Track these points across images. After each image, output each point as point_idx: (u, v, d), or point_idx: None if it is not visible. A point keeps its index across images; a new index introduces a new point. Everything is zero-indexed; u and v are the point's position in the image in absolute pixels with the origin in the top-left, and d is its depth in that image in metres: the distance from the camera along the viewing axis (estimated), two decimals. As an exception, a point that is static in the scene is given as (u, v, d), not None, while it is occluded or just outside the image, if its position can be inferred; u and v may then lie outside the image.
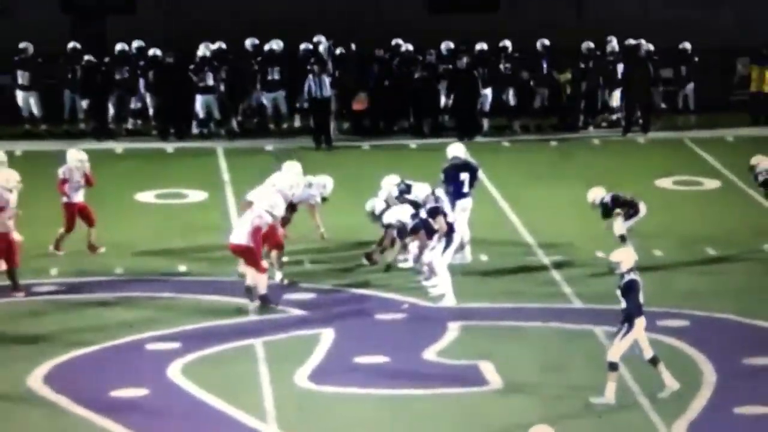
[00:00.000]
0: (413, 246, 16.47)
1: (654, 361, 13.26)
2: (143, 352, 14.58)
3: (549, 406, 13.21)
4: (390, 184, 17.12)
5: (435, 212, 15.93)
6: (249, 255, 15.63)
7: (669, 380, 13.27)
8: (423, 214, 16.17)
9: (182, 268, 17.33)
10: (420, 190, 16.81)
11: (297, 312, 15.72)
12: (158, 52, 23.67)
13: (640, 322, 13.14)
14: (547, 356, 14.37)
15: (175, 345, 14.69)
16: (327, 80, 22.95)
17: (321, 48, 23.75)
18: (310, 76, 23.02)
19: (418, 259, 16.45)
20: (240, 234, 15.74)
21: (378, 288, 16.29)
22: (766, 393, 13.32)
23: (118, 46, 23.92)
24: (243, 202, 16.81)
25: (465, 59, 23.58)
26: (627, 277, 13.12)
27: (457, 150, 17.48)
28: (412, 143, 23.50)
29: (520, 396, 13.42)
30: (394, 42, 24.14)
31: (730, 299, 15.96)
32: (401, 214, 16.49)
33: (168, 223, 19.14)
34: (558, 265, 17.18)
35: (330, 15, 25.90)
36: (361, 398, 13.45)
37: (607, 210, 17.06)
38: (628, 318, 13.08)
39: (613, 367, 13.10)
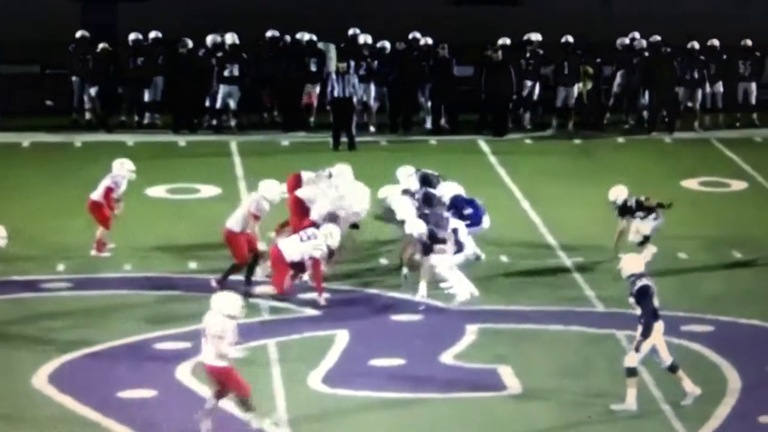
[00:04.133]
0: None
1: (673, 369, 13.29)
2: (152, 352, 14.64)
3: (568, 412, 13.26)
4: (406, 175, 17.10)
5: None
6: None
7: (689, 386, 13.30)
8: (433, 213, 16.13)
9: (193, 265, 17.40)
10: (447, 189, 16.80)
11: (311, 312, 15.78)
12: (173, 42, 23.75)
13: (658, 327, 13.17)
14: (568, 361, 14.42)
15: (185, 345, 14.70)
16: (354, 79, 22.92)
17: (361, 40, 23.72)
18: (333, 75, 23.06)
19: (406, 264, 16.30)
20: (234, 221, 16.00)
21: (394, 289, 16.35)
22: (792, 402, 13.36)
23: (132, 36, 24.00)
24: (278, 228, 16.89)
25: (500, 53, 23.57)
26: (639, 283, 13.13)
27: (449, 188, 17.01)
28: (432, 140, 23.55)
29: (539, 401, 13.47)
30: (411, 35, 24.19)
31: (755, 304, 15.98)
32: (420, 226, 15.96)
33: (179, 219, 19.20)
34: (580, 268, 17.21)
35: (345, 6, 25.98)
36: (376, 402, 13.51)
37: (624, 209, 17.03)
38: (644, 324, 13.07)
39: (631, 372, 13.14)
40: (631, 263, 13.31)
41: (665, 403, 13.40)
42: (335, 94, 22.86)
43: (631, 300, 13.17)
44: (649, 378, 13.89)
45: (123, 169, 17.62)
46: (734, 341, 14.91)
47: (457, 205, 16.66)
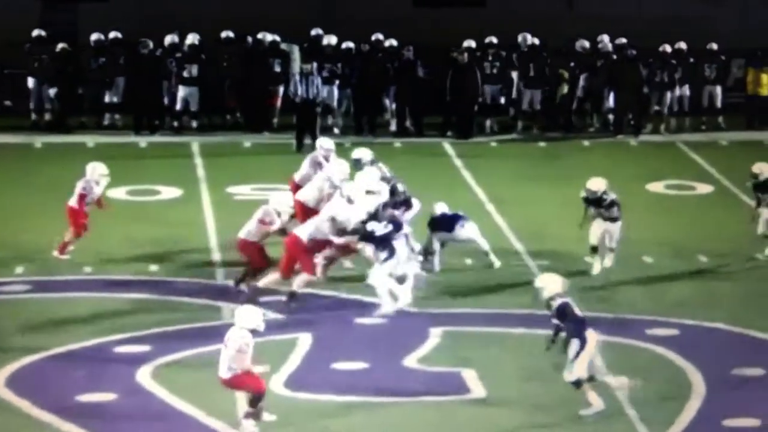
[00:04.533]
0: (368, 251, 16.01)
1: (590, 379, 13.16)
2: (111, 355, 14.55)
3: (533, 416, 13.27)
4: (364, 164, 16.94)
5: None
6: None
7: (594, 399, 13.16)
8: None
9: (154, 267, 17.32)
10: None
11: (273, 315, 15.72)
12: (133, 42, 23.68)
13: (591, 336, 13.16)
14: (532, 364, 14.41)
15: (146, 348, 14.66)
16: (317, 81, 22.88)
17: (324, 41, 23.72)
18: (297, 76, 23.01)
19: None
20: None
21: (358, 292, 16.31)
22: (756, 404, 13.41)
23: (94, 36, 23.89)
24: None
25: (466, 55, 23.61)
26: (557, 303, 13.16)
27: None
28: (397, 142, 23.54)
29: (503, 405, 13.47)
30: (374, 37, 24.17)
31: (721, 308, 16.05)
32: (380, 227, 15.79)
33: (140, 221, 19.12)
34: (546, 271, 17.20)
35: (311, 6, 25.95)
36: (339, 406, 13.48)
37: (592, 202, 17.00)
38: (577, 337, 13.04)
39: (577, 385, 13.14)
40: (551, 284, 13.34)
41: (630, 407, 13.43)
42: (299, 95, 22.82)
43: (555, 321, 13.19)
44: (615, 382, 13.91)
45: (95, 173, 17.50)
46: (699, 345, 14.98)
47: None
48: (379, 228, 15.64)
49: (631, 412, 13.36)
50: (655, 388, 13.84)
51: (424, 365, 14.44)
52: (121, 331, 15.10)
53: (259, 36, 23.92)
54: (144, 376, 14.00)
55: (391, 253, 15.55)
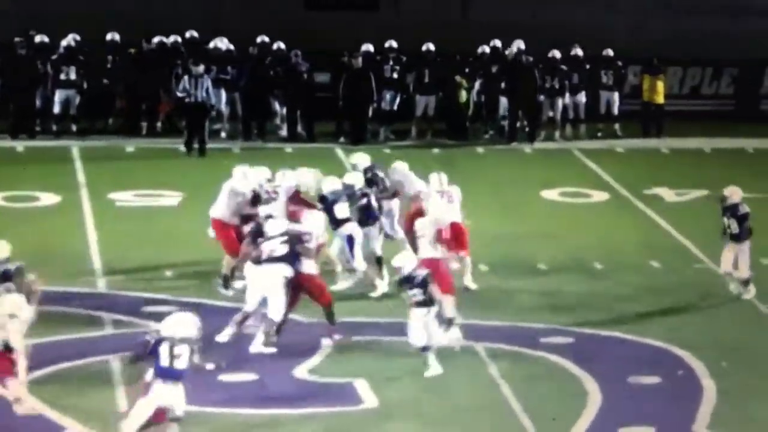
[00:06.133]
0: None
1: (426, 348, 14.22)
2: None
3: (426, 426, 13.30)
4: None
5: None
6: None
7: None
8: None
9: (31, 277, 17.01)
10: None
11: (155, 326, 15.53)
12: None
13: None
14: (425, 374, 14.45)
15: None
16: (207, 83, 22.75)
17: (212, 44, 23.61)
18: (186, 76, 22.84)
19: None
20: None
21: (245, 301, 16.20)
22: (651, 412, 13.61)
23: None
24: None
25: (360, 59, 23.64)
26: (418, 274, 14.32)
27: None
28: (288, 147, 23.49)
29: (396, 416, 13.49)
30: (260, 39, 24.09)
31: (616, 315, 16.26)
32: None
33: (17, 228, 18.79)
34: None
35: (196, 8, 25.80)
36: (225, 419, 13.37)
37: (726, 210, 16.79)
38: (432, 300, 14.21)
39: (424, 350, 14.24)
40: (408, 261, 14.47)
41: (525, 416, 13.53)
42: (188, 98, 22.67)
43: (414, 291, 14.21)
44: (508, 391, 14.03)
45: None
46: (595, 353, 15.14)
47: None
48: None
49: (526, 421, 13.46)
50: (551, 396, 13.97)
51: (315, 376, 14.40)
52: (-3, 342, 14.80)
53: (155, 39, 23.71)
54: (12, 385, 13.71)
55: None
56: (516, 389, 14.02)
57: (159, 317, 15.57)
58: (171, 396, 12.17)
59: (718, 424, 13.39)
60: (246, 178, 16.67)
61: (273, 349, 14.90)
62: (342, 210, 16.56)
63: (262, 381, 14.20)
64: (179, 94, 22.80)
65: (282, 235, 15.09)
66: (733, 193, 16.85)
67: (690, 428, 13.33)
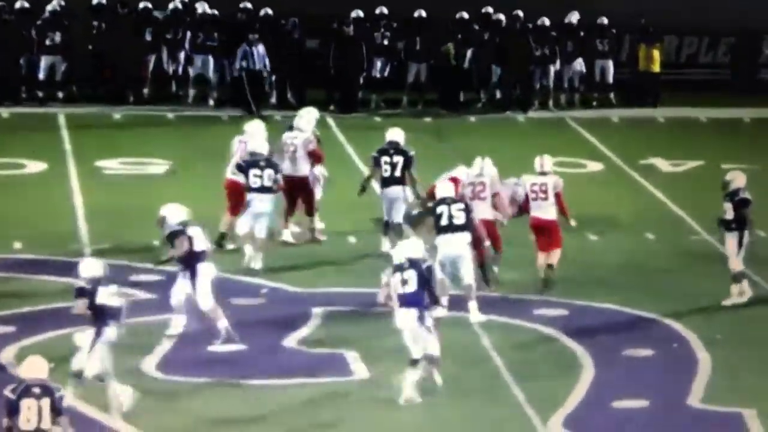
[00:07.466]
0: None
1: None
2: (-27, 336, 14.38)
3: (417, 395, 13.39)
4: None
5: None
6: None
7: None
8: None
9: (18, 245, 17.10)
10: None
11: (144, 296, 15.63)
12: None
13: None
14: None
15: (10, 329, 14.51)
16: (262, 50, 22.87)
17: (199, 9, 23.65)
18: (245, 44, 22.84)
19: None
20: None
21: (235, 271, 16.29)
22: (645, 385, 13.72)
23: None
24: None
25: (351, 27, 23.63)
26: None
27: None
28: (278, 115, 23.48)
29: (386, 386, 13.56)
30: (242, 5, 24.02)
31: (610, 287, 16.35)
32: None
33: (4, 196, 18.86)
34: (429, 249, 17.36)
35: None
36: (214, 389, 13.46)
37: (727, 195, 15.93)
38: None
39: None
40: (174, 211, 14.45)
41: (517, 388, 13.63)
42: (247, 64, 22.75)
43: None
44: (501, 363, 14.14)
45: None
46: (588, 325, 15.24)
47: None
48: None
49: (518, 393, 13.56)
50: (544, 369, 14.08)
51: (305, 347, 14.48)
52: (-18, 311, 14.90)
53: (141, 5, 23.69)
54: (8, 357, 13.82)
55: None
56: (509, 361, 14.12)
57: (146, 286, 15.74)
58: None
59: (713, 397, 13.51)
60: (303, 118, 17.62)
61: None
62: None
63: (251, 351, 14.28)
64: (241, 64, 22.82)
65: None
66: (735, 178, 15.91)
67: (684, 401, 13.44)
